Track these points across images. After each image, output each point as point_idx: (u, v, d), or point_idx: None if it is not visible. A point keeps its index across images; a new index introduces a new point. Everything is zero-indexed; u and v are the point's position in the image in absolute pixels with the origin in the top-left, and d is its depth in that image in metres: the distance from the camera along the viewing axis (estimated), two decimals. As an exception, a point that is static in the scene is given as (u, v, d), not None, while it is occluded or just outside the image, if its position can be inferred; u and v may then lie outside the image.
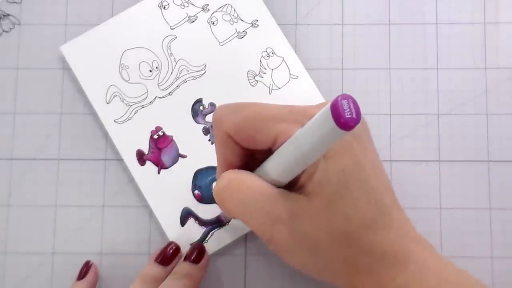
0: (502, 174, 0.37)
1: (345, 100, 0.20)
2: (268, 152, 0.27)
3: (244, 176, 0.28)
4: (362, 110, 0.22)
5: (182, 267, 0.34)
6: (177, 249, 0.34)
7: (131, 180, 0.37)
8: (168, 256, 0.34)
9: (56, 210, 0.37)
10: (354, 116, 0.20)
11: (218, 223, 0.36)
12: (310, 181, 0.26)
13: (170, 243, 0.35)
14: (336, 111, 0.20)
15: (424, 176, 0.37)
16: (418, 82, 0.38)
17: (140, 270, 0.34)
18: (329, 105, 0.21)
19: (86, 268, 0.35)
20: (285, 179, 0.27)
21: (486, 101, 0.37)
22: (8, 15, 0.39)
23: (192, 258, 0.34)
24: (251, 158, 0.29)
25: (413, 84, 0.38)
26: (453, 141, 0.37)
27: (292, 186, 0.27)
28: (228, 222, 0.35)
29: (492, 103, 0.37)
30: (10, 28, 0.39)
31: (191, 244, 0.35)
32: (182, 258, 0.34)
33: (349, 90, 0.38)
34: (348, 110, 0.20)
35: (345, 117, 0.20)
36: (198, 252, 0.34)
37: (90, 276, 0.35)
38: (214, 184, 0.36)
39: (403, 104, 0.38)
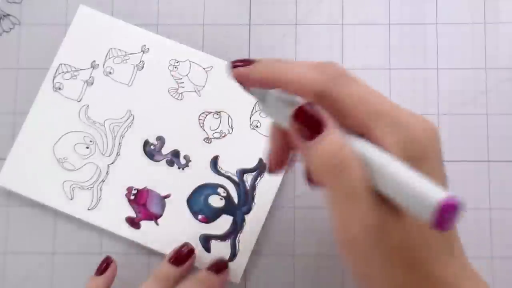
0: (502, 174, 0.37)
1: (452, 212, 0.20)
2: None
3: (358, 166, 0.23)
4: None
5: (202, 274, 0.34)
6: (191, 250, 0.35)
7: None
8: (182, 255, 0.34)
9: (56, 211, 0.37)
10: (452, 224, 0.20)
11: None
12: None
13: (185, 243, 0.35)
14: (440, 218, 0.20)
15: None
16: (418, 82, 0.38)
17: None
18: (436, 201, 0.20)
19: (106, 264, 0.35)
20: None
21: (486, 101, 0.37)
22: (8, 15, 0.39)
23: (214, 269, 0.34)
24: None
25: (413, 84, 0.38)
26: (453, 141, 0.37)
27: None
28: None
29: (492, 103, 0.37)
30: (10, 28, 0.39)
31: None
32: (205, 268, 0.34)
33: (349, 90, 0.38)
34: (451, 220, 0.20)
35: (446, 226, 0.20)
36: (220, 264, 0.34)
37: (109, 272, 0.34)
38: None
39: (403, 104, 0.37)
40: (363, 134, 0.24)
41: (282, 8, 0.39)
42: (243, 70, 0.26)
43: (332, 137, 0.23)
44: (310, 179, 0.29)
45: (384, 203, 0.24)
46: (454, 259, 0.25)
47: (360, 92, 0.24)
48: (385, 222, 0.24)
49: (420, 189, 0.21)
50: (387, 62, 0.38)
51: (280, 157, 0.29)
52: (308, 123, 0.23)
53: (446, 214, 0.20)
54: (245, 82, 0.26)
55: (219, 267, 0.34)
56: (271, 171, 0.29)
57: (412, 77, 0.38)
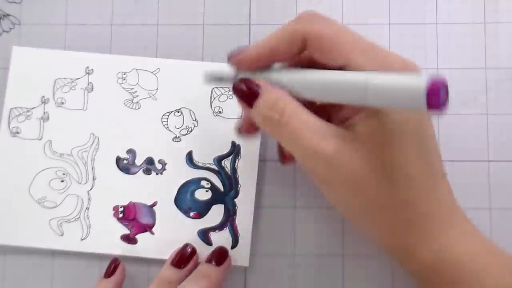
0: (502, 174, 0.37)
1: (443, 87, 0.21)
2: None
3: (296, 108, 0.27)
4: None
5: (202, 268, 0.34)
6: (193, 251, 0.35)
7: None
8: (184, 256, 0.34)
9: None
10: (444, 105, 0.21)
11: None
12: (365, 123, 0.26)
13: (187, 244, 0.35)
14: (433, 96, 0.21)
15: (424, 176, 0.37)
16: (418, 82, 0.38)
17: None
18: (423, 85, 0.21)
19: (114, 266, 0.35)
20: (323, 100, 0.27)
21: (486, 101, 0.37)
22: (8, 15, 0.39)
23: (214, 260, 0.34)
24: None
25: (413, 84, 0.38)
26: (453, 141, 0.37)
27: (338, 121, 0.28)
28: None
29: (492, 103, 0.37)
30: (10, 28, 0.39)
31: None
32: (204, 261, 0.34)
33: (349, 90, 0.38)
34: (442, 99, 0.21)
35: (440, 105, 0.21)
36: (219, 254, 0.34)
37: (118, 274, 0.34)
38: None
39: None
40: (344, 66, 0.26)
41: (282, 8, 0.39)
42: (241, 56, 0.29)
43: (265, 95, 0.27)
44: (282, 156, 0.34)
45: (338, 131, 0.26)
46: (437, 189, 0.27)
47: (335, 29, 0.27)
48: (340, 150, 0.26)
49: (402, 80, 0.22)
50: (387, 62, 0.38)
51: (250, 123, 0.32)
52: (243, 96, 0.28)
53: (437, 92, 0.21)
54: (243, 65, 0.29)
55: (220, 257, 0.34)
56: (240, 133, 0.33)
57: (412, 77, 0.38)
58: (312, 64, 0.28)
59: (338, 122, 0.28)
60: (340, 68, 0.27)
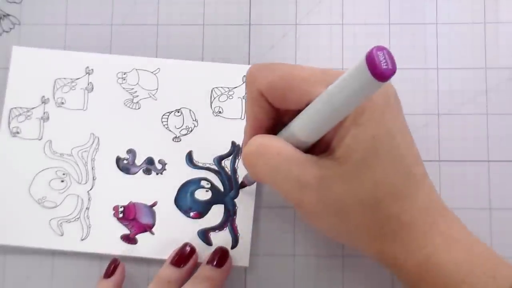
0: (502, 174, 0.37)
1: (380, 52, 0.20)
2: (297, 114, 0.27)
3: (274, 142, 0.28)
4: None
5: (203, 270, 0.34)
6: (192, 250, 0.35)
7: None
8: (183, 256, 0.34)
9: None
10: (390, 66, 0.20)
11: (241, 187, 0.36)
12: (340, 145, 0.26)
13: (186, 244, 0.35)
14: (372, 62, 0.20)
15: (424, 176, 0.37)
16: (418, 82, 0.38)
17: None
18: (364, 57, 0.21)
19: (114, 266, 0.35)
20: (312, 138, 0.27)
21: (486, 101, 0.37)
22: (8, 15, 0.39)
23: (215, 262, 0.34)
24: (279, 121, 0.29)
25: (413, 84, 0.38)
26: (453, 141, 0.37)
27: (320, 151, 0.28)
28: (251, 185, 0.36)
29: (492, 103, 0.37)
30: (10, 28, 0.39)
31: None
32: (205, 262, 0.34)
33: (349, 90, 0.38)
34: (384, 61, 0.20)
35: (381, 68, 0.20)
36: (220, 255, 0.34)
37: (117, 274, 0.34)
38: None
39: (403, 104, 0.37)
40: (309, 101, 0.26)
41: (282, 8, 0.39)
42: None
43: (251, 141, 0.28)
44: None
45: (319, 160, 0.27)
46: (418, 196, 0.27)
47: (286, 72, 0.27)
48: (322, 177, 0.26)
49: (346, 75, 0.22)
50: (387, 62, 0.38)
51: None
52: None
53: (378, 61, 0.20)
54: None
55: (221, 258, 0.34)
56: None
57: (412, 77, 0.38)
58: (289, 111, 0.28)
59: (320, 152, 0.28)
60: (304, 107, 0.27)
